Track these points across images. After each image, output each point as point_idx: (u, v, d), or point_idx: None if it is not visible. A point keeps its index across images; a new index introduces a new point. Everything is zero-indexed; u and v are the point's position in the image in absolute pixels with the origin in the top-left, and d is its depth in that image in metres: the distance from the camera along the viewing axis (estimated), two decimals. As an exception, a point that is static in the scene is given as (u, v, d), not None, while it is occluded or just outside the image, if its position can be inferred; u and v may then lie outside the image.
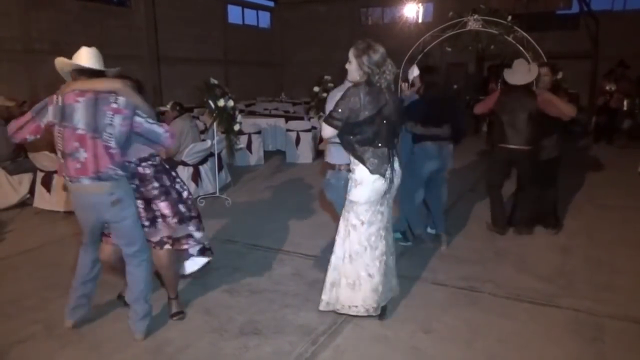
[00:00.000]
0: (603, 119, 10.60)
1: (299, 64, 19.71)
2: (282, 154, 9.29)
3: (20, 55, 11.66)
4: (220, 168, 6.44)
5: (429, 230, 4.72)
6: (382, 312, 3.15)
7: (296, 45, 20.27)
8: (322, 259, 3.89)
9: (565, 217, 5.23)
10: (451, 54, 9.68)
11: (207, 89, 5.70)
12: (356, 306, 3.02)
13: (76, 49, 2.81)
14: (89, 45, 2.88)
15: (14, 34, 11.57)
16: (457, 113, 4.52)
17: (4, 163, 5.78)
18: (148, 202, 2.97)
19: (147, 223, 2.96)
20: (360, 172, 2.92)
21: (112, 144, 2.69)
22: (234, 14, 19.19)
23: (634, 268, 4.01)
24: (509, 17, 6.96)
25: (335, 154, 3.23)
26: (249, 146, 8.48)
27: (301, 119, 9.88)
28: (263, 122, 9.47)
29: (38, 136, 2.78)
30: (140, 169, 2.97)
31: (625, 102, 10.43)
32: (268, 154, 9.16)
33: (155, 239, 3.00)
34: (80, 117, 2.65)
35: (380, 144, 2.92)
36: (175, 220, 3.02)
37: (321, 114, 7.02)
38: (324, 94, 8.10)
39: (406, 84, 7.65)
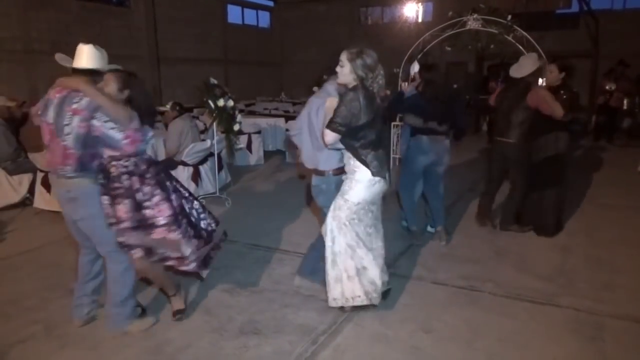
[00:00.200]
0: (603, 118, 10.59)
1: (298, 63, 19.70)
2: (282, 154, 9.29)
3: (20, 56, 11.67)
4: (220, 168, 6.44)
5: (429, 229, 4.78)
6: (384, 296, 3.32)
7: (296, 45, 20.29)
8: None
9: (565, 217, 5.22)
10: (451, 54, 9.68)
11: (207, 88, 5.70)
12: (359, 296, 3.14)
13: (76, 49, 2.81)
14: None
15: (13, 34, 11.57)
16: (457, 111, 4.53)
17: (5, 163, 5.78)
18: (113, 200, 2.85)
19: (113, 220, 2.83)
20: (361, 174, 2.99)
21: (69, 144, 2.71)
22: (234, 13, 19.20)
23: (634, 267, 4.01)
24: (509, 17, 6.96)
25: (323, 160, 3.21)
26: (248, 146, 8.48)
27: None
28: (263, 122, 9.47)
29: None
30: (108, 166, 2.83)
31: (625, 101, 10.43)
32: (268, 154, 9.16)
33: (119, 239, 2.85)
34: (50, 113, 2.74)
35: (379, 147, 3.03)
36: (127, 225, 2.77)
37: None
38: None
39: (406, 83, 7.68)
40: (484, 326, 3.09)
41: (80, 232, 2.94)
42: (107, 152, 2.81)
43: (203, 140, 6.27)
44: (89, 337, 2.96)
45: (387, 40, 15.91)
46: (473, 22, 7.10)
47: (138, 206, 2.79)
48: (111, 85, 2.78)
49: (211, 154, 6.28)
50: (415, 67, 4.67)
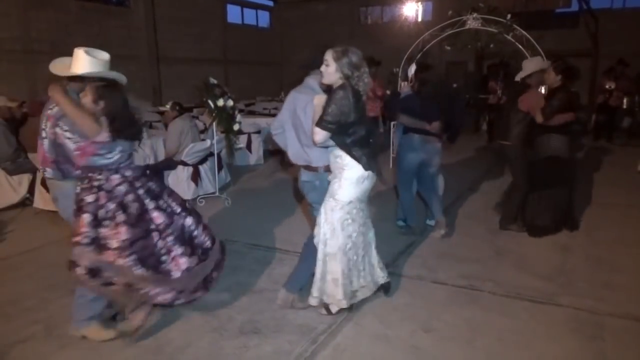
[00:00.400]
0: (603, 117, 10.59)
1: (298, 63, 19.68)
2: (282, 153, 9.28)
3: (20, 56, 11.67)
4: (220, 168, 6.44)
5: (428, 222, 4.94)
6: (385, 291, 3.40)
7: (295, 45, 20.27)
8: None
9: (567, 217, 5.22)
10: (450, 53, 9.69)
11: (207, 88, 5.70)
12: (339, 299, 3.13)
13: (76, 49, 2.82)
14: (88, 46, 2.88)
15: (13, 34, 11.57)
16: (453, 112, 4.62)
17: (4, 163, 5.78)
18: (77, 211, 2.76)
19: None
20: (350, 171, 2.99)
21: (45, 148, 2.77)
22: (233, 13, 19.20)
23: (634, 266, 4.01)
24: (508, 16, 6.97)
25: (316, 157, 3.17)
26: (248, 146, 8.48)
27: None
28: (263, 122, 9.45)
29: None
30: (82, 176, 2.76)
31: (624, 100, 10.43)
32: (268, 154, 9.16)
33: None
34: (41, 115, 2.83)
35: (369, 144, 3.05)
36: (80, 239, 2.64)
37: None
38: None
39: (405, 83, 7.67)
40: (484, 325, 3.08)
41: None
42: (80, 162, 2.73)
43: (203, 140, 6.27)
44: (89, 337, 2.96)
45: (387, 39, 15.92)
46: (473, 22, 7.11)
47: (97, 223, 2.65)
48: (88, 96, 2.72)
49: (211, 154, 6.28)
50: (412, 68, 4.73)
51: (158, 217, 2.78)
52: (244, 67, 18.66)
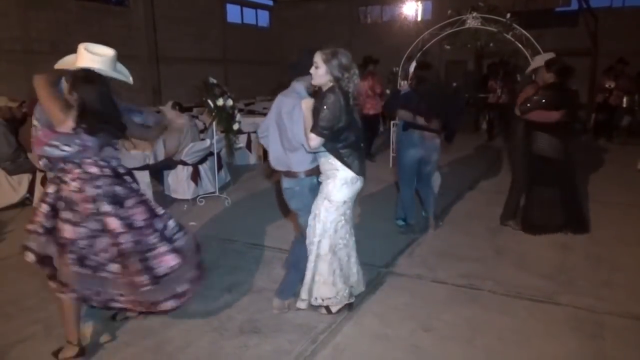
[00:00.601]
0: (602, 116, 10.59)
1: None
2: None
3: (19, 56, 11.67)
4: (219, 167, 6.44)
5: (422, 214, 5.02)
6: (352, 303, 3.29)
7: (295, 44, 20.24)
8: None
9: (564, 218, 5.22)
10: (450, 52, 9.69)
11: (206, 88, 5.70)
12: (330, 298, 3.14)
13: (75, 49, 2.80)
14: None
15: (13, 34, 11.58)
16: (452, 110, 4.63)
17: (4, 163, 5.78)
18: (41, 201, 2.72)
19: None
20: (344, 172, 3.00)
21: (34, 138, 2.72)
22: (233, 13, 19.20)
23: (633, 265, 4.02)
24: (508, 15, 6.96)
25: (296, 161, 3.11)
26: (248, 145, 8.47)
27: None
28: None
29: None
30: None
31: (624, 99, 10.43)
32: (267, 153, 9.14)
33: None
34: None
35: (359, 148, 3.07)
36: (35, 227, 2.61)
37: None
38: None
39: (405, 82, 7.67)
40: (484, 324, 3.09)
41: None
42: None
43: (202, 139, 6.27)
44: (89, 337, 2.95)
45: (387, 39, 15.94)
46: (472, 21, 7.10)
47: (54, 214, 2.58)
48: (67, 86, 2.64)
49: (211, 154, 6.28)
50: (413, 66, 4.81)
51: (111, 223, 2.57)
52: (243, 66, 18.66)
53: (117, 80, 2.82)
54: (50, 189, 2.64)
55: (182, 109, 6.37)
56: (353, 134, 3.00)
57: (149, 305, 2.71)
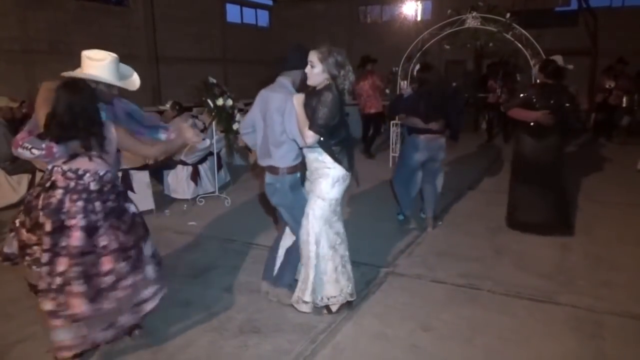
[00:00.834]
0: (602, 116, 10.59)
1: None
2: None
3: (18, 55, 11.67)
4: (219, 167, 6.44)
5: (422, 215, 5.06)
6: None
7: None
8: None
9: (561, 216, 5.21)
10: (450, 52, 9.68)
11: (206, 88, 5.70)
12: (334, 296, 3.14)
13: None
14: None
15: (12, 34, 11.57)
16: (453, 110, 4.65)
17: (4, 163, 5.79)
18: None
19: None
20: (336, 170, 3.03)
21: None
22: (233, 12, 19.21)
23: (633, 265, 4.02)
24: (508, 15, 6.96)
25: (279, 157, 3.09)
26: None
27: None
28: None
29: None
30: None
31: (624, 99, 10.42)
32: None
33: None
34: None
35: (349, 144, 3.09)
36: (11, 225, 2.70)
37: None
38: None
39: (405, 82, 7.68)
40: (483, 324, 3.09)
41: None
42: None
43: (202, 139, 6.26)
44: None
45: (386, 39, 15.93)
46: (472, 20, 7.10)
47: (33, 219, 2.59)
48: None
49: (210, 153, 6.28)
50: (417, 68, 4.99)
51: (74, 239, 2.48)
52: (243, 66, 18.66)
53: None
54: (35, 190, 2.69)
55: (181, 108, 6.37)
56: (344, 131, 3.04)
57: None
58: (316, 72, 2.92)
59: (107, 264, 2.53)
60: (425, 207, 4.92)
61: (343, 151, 3.04)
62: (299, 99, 2.95)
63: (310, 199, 3.10)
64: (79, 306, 2.47)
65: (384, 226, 4.97)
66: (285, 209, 3.22)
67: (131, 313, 2.66)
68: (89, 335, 2.57)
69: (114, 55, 2.80)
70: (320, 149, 2.99)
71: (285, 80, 3.13)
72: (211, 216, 5.46)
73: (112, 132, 2.66)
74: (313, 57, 2.91)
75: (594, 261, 4.10)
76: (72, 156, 2.56)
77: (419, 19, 17.38)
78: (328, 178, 3.03)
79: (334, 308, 3.17)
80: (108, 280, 2.53)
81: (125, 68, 2.99)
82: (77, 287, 2.46)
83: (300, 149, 3.08)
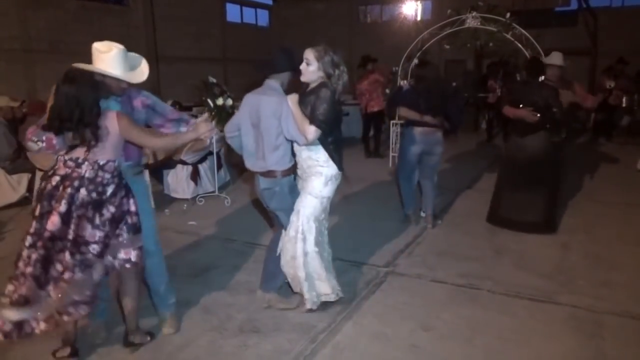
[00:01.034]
0: (602, 116, 10.58)
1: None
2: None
3: (19, 55, 11.66)
4: (219, 167, 6.44)
5: (422, 214, 5.10)
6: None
7: (295, 44, 20.17)
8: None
9: (565, 214, 5.22)
10: (450, 52, 9.68)
11: (206, 87, 5.67)
12: (327, 294, 3.20)
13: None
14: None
15: (12, 34, 11.56)
16: (452, 108, 4.71)
17: (4, 163, 5.78)
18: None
19: None
20: (329, 169, 3.06)
21: None
22: (233, 12, 19.19)
23: (633, 264, 4.02)
24: (508, 14, 6.96)
25: (275, 161, 3.03)
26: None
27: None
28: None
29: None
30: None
31: (624, 99, 10.41)
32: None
33: None
34: None
35: (341, 143, 3.14)
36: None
37: None
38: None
39: (405, 82, 7.67)
40: (483, 324, 3.09)
41: None
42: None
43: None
44: (89, 337, 2.95)
45: (386, 38, 15.90)
46: (472, 20, 7.11)
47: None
48: None
49: (210, 153, 6.28)
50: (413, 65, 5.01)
51: (50, 224, 2.50)
52: (243, 65, 18.60)
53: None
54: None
55: (181, 108, 6.37)
56: (338, 130, 3.09)
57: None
58: (312, 69, 2.93)
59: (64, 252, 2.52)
60: (424, 203, 4.98)
61: (336, 150, 3.06)
62: (293, 98, 2.96)
63: (301, 196, 3.09)
64: (29, 289, 2.51)
65: (383, 226, 4.97)
66: (284, 212, 3.16)
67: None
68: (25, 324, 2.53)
69: (120, 46, 2.70)
70: (313, 148, 3.00)
71: (274, 83, 3.07)
72: (211, 216, 5.46)
73: (112, 122, 2.60)
74: (309, 54, 2.93)
75: (594, 261, 4.10)
76: (72, 147, 2.57)
77: (418, 18, 17.35)
78: (321, 176, 3.04)
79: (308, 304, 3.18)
80: (59, 268, 2.53)
81: (134, 58, 2.92)
82: (34, 269, 2.52)
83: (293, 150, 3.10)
